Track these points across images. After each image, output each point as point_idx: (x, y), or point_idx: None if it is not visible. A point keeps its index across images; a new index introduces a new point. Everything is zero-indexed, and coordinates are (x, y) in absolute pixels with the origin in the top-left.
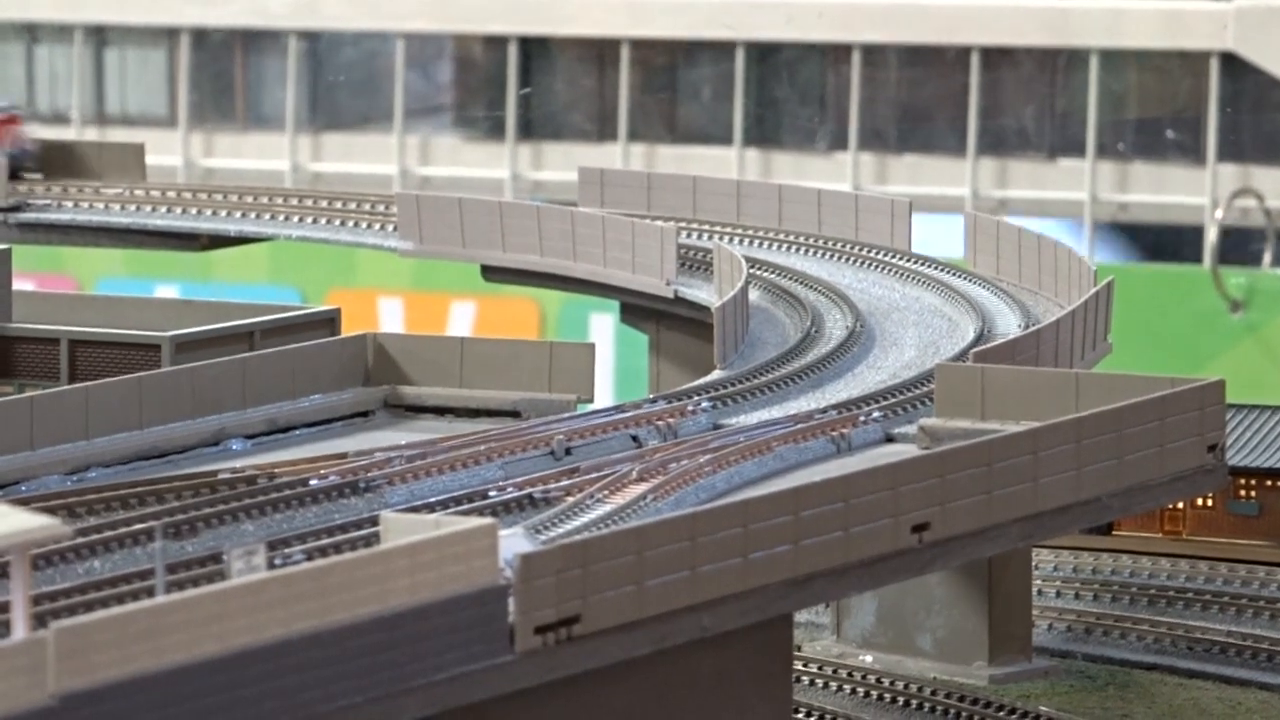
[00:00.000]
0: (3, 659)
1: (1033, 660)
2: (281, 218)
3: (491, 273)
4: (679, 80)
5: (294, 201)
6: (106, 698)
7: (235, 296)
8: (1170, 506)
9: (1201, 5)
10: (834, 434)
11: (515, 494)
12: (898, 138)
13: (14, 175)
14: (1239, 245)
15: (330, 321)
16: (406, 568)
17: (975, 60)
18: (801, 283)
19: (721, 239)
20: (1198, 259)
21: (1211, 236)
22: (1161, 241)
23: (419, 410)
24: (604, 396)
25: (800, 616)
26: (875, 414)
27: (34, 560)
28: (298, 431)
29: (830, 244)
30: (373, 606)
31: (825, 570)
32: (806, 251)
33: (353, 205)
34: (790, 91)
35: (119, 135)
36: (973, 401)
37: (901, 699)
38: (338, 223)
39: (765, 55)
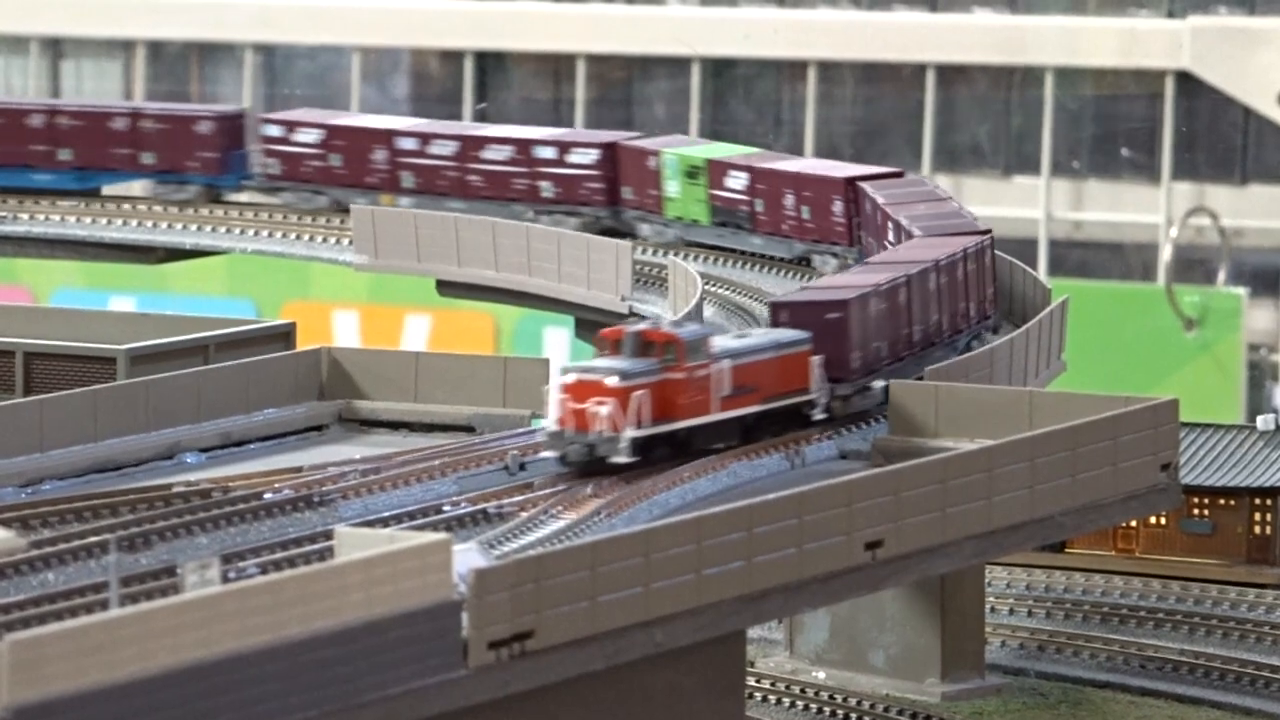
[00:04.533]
0: None
1: (985, 677)
2: (237, 231)
3: (446, 287)
4: (635, 95)
5: (250, 215)
6: (60, 710)
7: (191, 309)
8: (1124, 525)
9: (1157, 24)
10: (788, 450)
11: (469, 509)
12: (853, 154)
13: None
14: (1193, 264)
15: (285, 335)
16: (361, 582)
17: (931, 77)
18: (755, 298)
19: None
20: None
21: (1166, 255)
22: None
23: (373, 425)
24: None
25: (753, 632)
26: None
27: None
28: (252, 445)
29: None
30: (327, 620)
31: (778, 586)
32: (763, 268)
33: (309, 220)
34: (746, 107)
35: None
36: (927, 419)
37: (854, 715)
38: (293, 236)
39: (721, 70)
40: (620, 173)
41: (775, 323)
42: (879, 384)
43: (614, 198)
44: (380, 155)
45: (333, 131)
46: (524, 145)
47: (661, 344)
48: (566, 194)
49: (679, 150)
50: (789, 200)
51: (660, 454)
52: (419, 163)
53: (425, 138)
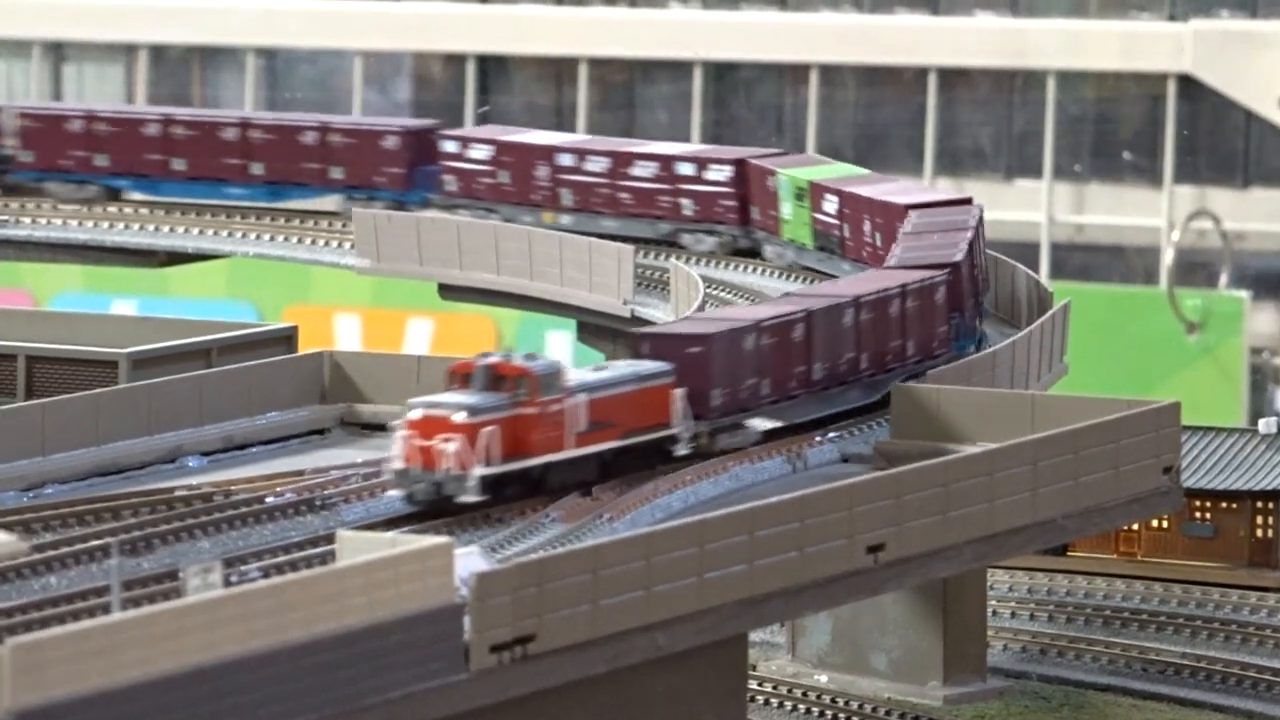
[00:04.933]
0: None
1: (987, 681)
2: (239, 234)
3: (448, 291)
4: (636, 99)
5: (252, 218)
6: (62, 714)
7: (193, 313)
8: (1125, 528)
9: (1158, 27)
10: (790, 453)
11: (471, 512)
12: (854, 158)
13: None
14: (1195, 267)
15: (287, 339)
16: (362, 586)
17: (932, 81)
18: (756, 301)
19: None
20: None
21: (1168, 258)
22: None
23: (375, 428)
24: None
25: (755, 636)
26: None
27: None
28: (254, 449)
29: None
30: (329, 624)
31: (780, 590)
32: (765, 273)
33: (310, 223)
34: (748, 111)
35: None
36: (928, 422)
37: (856, 719)
38: (295, 240)
39: (723, 74)
40: (749, 191)
41: (637, 354)
42: (757, 422)
43: (745, 217)
44: (543, 172)
45: (501, 148)
46: (667, 162)
47: (513, 378)
48: (704, 212)
49: (791, 171)
50: (867, 225)
51: (512, 493)
52: (576, 179)
53: (581, 154)
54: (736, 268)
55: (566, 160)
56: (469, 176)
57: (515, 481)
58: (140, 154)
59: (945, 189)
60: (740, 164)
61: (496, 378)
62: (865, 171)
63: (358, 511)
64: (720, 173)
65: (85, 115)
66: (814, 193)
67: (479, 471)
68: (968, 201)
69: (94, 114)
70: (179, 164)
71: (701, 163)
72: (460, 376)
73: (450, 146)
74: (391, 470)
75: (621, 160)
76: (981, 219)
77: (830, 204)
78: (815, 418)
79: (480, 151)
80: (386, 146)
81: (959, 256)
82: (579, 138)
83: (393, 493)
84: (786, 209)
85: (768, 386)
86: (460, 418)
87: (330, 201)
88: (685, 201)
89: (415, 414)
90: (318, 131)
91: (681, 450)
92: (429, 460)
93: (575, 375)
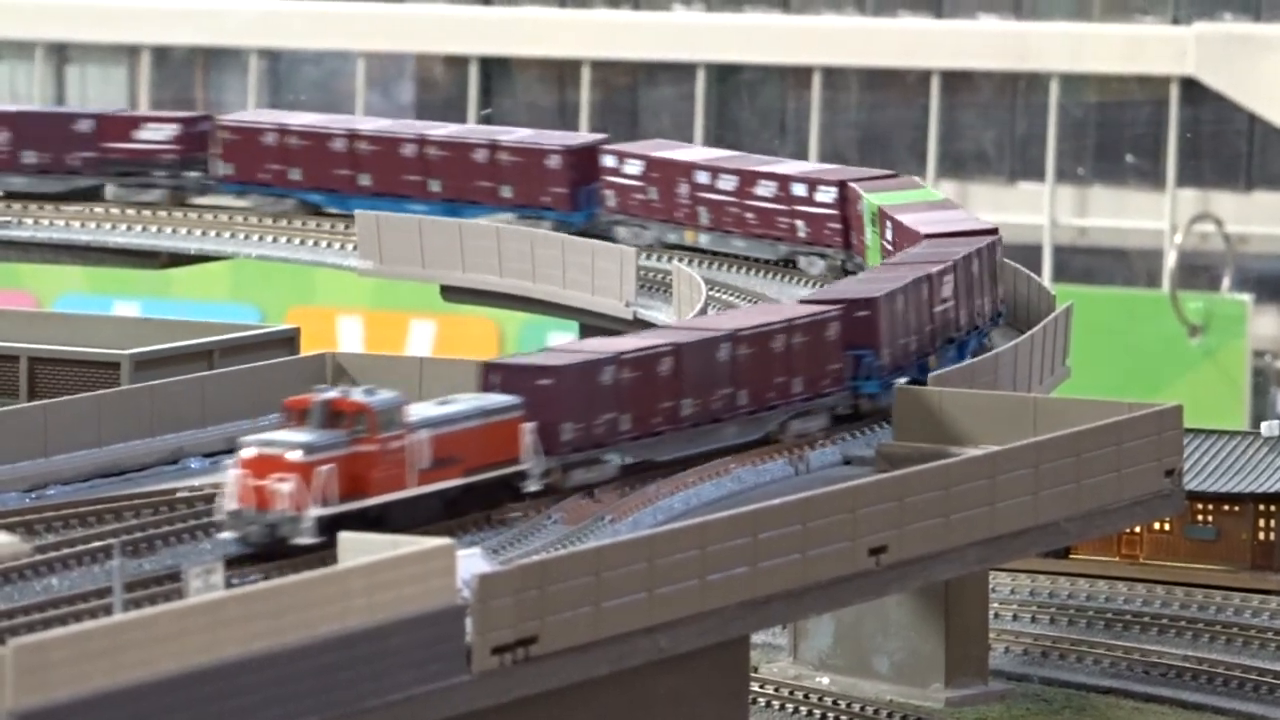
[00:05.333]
0: None
1: (989, 683)
2: (241, 236)
3: (451, 293)
4: (640, 101)
5: (254, 220)
6: (64, 715)
7: (195, 314)
8: (1128, 530)
9: (1162, 30)
10: (793, 456)
11: (474, 514)
12: (858, 160)
13: None
14: (1197, 270)
15: (290, 340)
16: (364, 587)
17: (935, 83)
18: (756, 303)
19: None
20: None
21: (1170, 261)
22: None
23: None
24: None
25: (757, 638)
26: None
27: None
28: None
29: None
30: (330, 626)
31: (783, 592)
32: (768, 275)
33: (312, 224)
34: (750, 113)
35: None
36: (931, 425)
37: None
38: (297, 241)
39: (725, 77)
40: (849, 214)
41: (486, 386)
42: (615, 458)
43: (847, 240)
44: (683, 190)
45: (651, 164)
46: (784, 181)
47: (351, 414)
48: (814, 235)
49: (872, 195)
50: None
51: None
52: (710, 198)
53: (714, 171)
54: (737, 270)
55: (702, 178)
56: (625, 193)
57: (354, 522)
58: (329, 169)
59: (949, 192)
60: (842, 186)
61: (334, 414)
62: (940, 196)
63: None
64: (827, 194)
65: (278, 128)
66: (880, 218)
67: (315, 512)
68: (993, 231)
69: (286, 127)
70: (365, 179)
71: (811, 183)
72: (296, 412)
73: (609, 161)
74: (224, 511)
75: (747, 179)
76: (991, 248)
77: (889, 230)
78: (685, 455)
79: (633, 167)
80: (550, 166)
81: (880, 293)
82: (715, 154)
83: (225, 535)
84: (868, 234)
85: (628, 422)
86: (295, 456)
87: (504, 219)
88: (800, 223)
89: (249, 452)
90: (488, 149)
91: (532, 487)
92: (263, 501)
93: (418, 410)
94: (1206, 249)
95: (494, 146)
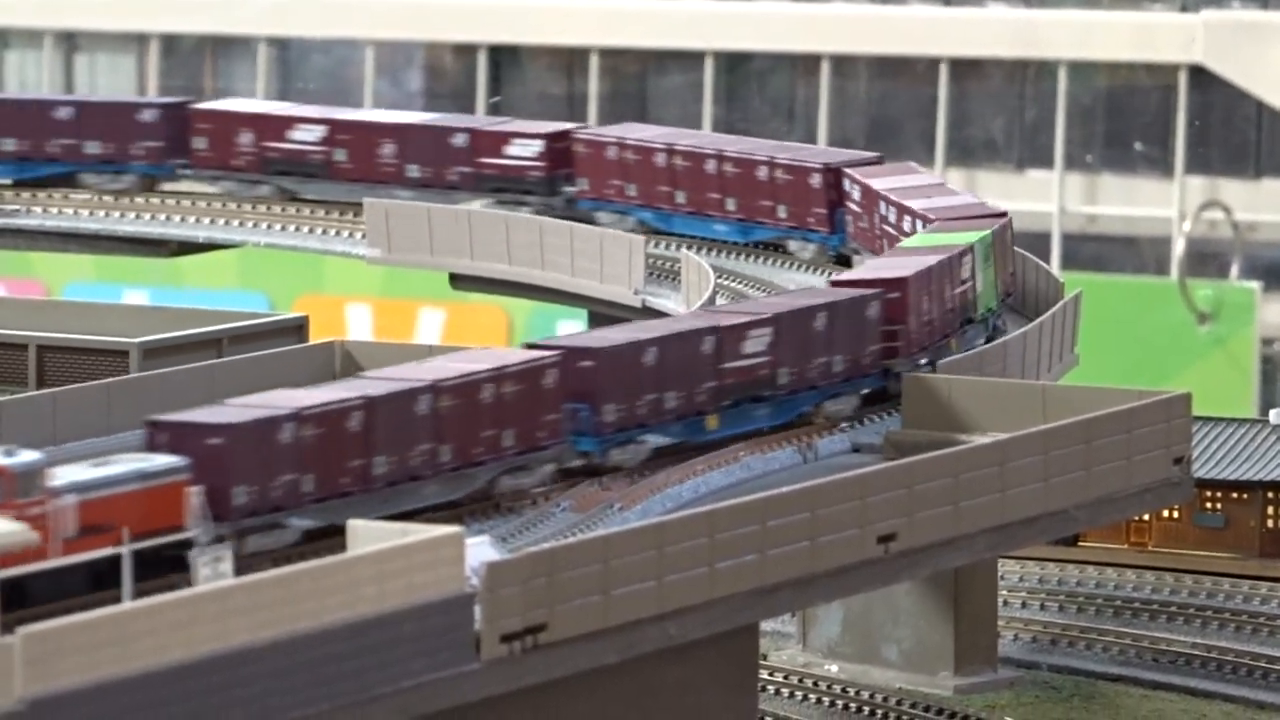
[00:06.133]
0: None
1: (998, 671)
2: (250, 224)
3: (460, 280)
4: (648, 89)
5: (263, 208)
6: (73, 703)
7: (204, 302)
8: (1136, 518)
9: (1170, 18)
10: (801, 444)
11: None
12: (866, 148)
13: None
14: (1206, 257)
15: (299, 328)
16: (373, 575)
17: (944, 71)
18: (767, 292)
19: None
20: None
21: (1179, 249)
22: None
23: None
24: None
25: (766, 625)
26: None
27: None
28: None
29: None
30: (340, 614)
31: (791, 580)
32: (779, 264)
33: (321, 212)
34: (760, 101)
35: None
36: (940, 413)
37: (867, 709)
38: (306, 230)
39: (734, 65)
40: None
41: (152, 445)
42: (298, 523)
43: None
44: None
45: (864, 190)
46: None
47: None
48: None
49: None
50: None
51: None
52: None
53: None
54: (747, 258)
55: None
56: (856, 216)
57: None
58: (654, 185)
59: (958, 180)
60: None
61: None
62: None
63: None
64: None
65: (617, 143)
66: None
67: None
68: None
69: (623, 141)
70: (680, 197)
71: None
72: None
73: (846, 183)
74: None
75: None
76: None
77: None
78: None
79: (855, 191)
80: (812, 185)
81: (606, 344)
82: (920, 180)
83: None
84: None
85: (311, 483)
86: None
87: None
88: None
89: None
90: (767, 165)
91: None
92: None
93: (65, 473)
94: (1215, 236)
95: (771, 164)
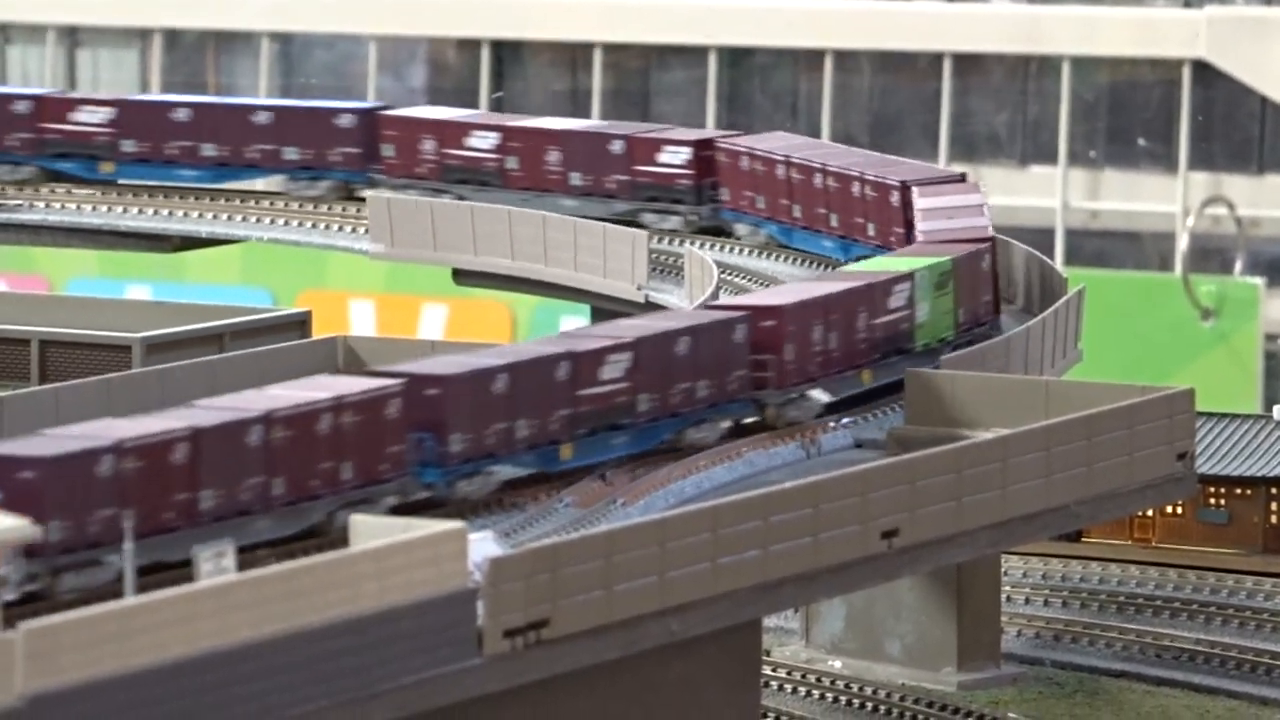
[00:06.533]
0: None
1: (1001, 667)
2: (253, 219)
3: (463, 276)
4: (651, 85)
5: (266, 203)
6: (74, 699)
7: (207, 298)
8: (1140, 514)
9: (1173, 13)
10: (804, 439)
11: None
12: (869, 144)
13: None
14: (1209, 253)
15: (301, 324)
16: (375, 571)
17: (947, 67)
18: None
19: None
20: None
21: (1183, 245)
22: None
23: None
24: None
25: (769, 621)
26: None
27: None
28: None
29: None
30: (341, 610)
31: (794, 576)
32: (782, 258)
33: (324, 208)
34: (762, 96)
35: None
36: (942, 408)
37: (870, 704)
38: (309, 225)
39: (737, 60)
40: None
41: None
42: (114, 560)
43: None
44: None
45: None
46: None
47: None
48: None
49: None
50: None
51: None
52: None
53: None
54: (750, 253)
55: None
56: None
57: None
58: (776, 198)
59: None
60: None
61: None
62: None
63: None
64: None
65: (748, 153)
66: None
67: None
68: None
69: (753, 152)
70: (797, 211)
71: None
72: None
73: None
74: None
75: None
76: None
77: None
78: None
79: (908, 210)
80: (892, 203)
81: (453, 370)
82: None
83: None
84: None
85: (134, 518)
86: None
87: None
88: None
89: None
90: (859, 182)
91: (8, 595)
92: None
93: None
94: (1218, 232)
95: (861, 180)
